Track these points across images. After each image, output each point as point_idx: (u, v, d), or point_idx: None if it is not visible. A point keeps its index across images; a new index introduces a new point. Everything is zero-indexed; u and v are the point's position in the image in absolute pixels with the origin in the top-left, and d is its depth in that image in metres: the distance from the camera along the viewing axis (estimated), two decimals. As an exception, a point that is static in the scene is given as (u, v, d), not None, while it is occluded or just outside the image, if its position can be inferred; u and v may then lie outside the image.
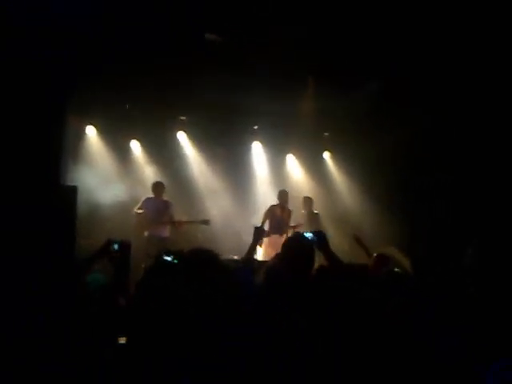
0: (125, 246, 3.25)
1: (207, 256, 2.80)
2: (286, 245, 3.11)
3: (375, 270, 4.11)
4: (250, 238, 4.36)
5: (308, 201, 8.55)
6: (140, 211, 7.57)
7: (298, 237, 3.31)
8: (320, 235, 3.19)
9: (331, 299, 2.71)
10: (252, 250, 3.73)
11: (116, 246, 3.28)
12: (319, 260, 3.44)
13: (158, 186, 7.80)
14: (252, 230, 7.42)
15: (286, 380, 2.36)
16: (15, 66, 5.04)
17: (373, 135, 8.43)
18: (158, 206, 7.61)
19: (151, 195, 7.77)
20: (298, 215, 8.36)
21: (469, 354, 2.40)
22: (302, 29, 6.31)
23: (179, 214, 7.84)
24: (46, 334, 2.45)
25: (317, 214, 8.55)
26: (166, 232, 7.59)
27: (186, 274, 2.66)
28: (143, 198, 7.73)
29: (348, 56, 6.82)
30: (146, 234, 7.43)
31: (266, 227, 7.88)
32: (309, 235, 3.17)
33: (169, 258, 2.89)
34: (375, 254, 4.61)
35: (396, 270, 4.02)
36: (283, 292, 2.79)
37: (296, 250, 3.02)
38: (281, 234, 7.36)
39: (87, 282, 3.09)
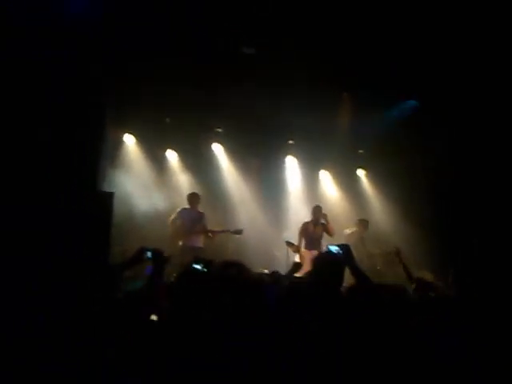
0: (158, 255, 3.28)
1: (239, 269, 2.79)
2: (316, 261, 3.08)
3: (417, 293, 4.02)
4: (279, 253, 4.38)
5: (364, 223, 8.49)
6: (175, 221, 7.65)
7: (327, 253, 3.27)
8: (346, 249, 3.11)
9: (357, 317, 2.66)
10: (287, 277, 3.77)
11: (149, 254, 3.32)
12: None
13: (193, 197, 7.87)
14: (283, 245, 7.41)
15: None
16: (57, 77, 5.21)
17: (408, 154, 8.33)
18: (193, 217, 7.68)
19: (186, 206, 7.85)
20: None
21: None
22: (340, 46, 6.33)
23: (211, 225, 7.88)
24: (74, 339, 2.48)
25: (363, 238, 8.43)
26: (200, 242, 7.63)
27: (216, 284, 2.67)
28: (179, 209, 7.81)
29: (384, 74, 6.78)
30: (180, 243, 7.49)
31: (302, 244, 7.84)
32: (334, 249, 3.10)
33: (198, 267, 2.90)
34: (415, 278, 4.50)
35: (430, 294, 3.92)
36: (303, 305, 2.77)
37: (324, 266, 2.98)
38: (315, 250, 7.31)
39: (128, 289, 3.14)
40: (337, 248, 3.09)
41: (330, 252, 3.12)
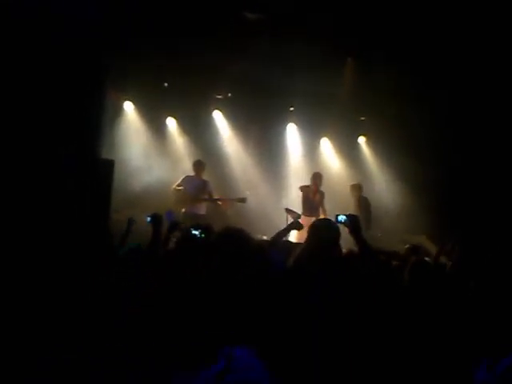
0: (156, 219, 3.36)
1: (241, 235, 2.81)
2: (312, 228, 3.12)
3: (406, 258, 4.09)
4: (279, 220, 4.40)
5: (356, 187, 8.41)
6: (179, 188, 7.66)
7: (324, 220, 3.28)
8: (353, 219, 3.15)
9: (356, 284, 2.71)
10: (282, 235, 3.77)
11: (148, 219, 3.42)
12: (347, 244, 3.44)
13: (199, 165, 7.86)
14: (282, 212, 7.43)
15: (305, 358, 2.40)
16: (55, 43, 5.14)
17: (410, 121, 8.27)
18: (197, 184, 7.68)
19: (190, 173, 7.85)
20: (330, 199, 8.29)
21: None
22: (343, 9, 6.21)
23: (214, 192, 7.92)
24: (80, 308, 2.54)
25: (365, 198, 8.33)
26: (203, 210, 7.66)
27: (218, 250, 2.69)
28: (183, 176, 7.81)
29: (386, 39, 6.68)
30: (182, 210, 7.50)
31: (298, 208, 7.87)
32: (342, 218, 3.14)
33: (196, 233, 2.95)
34: (407, 246, 4.60)
35: (426, 259, 3.99)
36: (309, 277, 2.81)
37: (321, 234, 3.02)
38: (313, 216, 7.34)
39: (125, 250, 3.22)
40: (344, 217, 3.13)
41: (337, 221, 3.15)
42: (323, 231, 3.06)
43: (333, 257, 3.00)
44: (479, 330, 2.49)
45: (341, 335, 2.48)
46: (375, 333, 2.49)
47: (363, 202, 8.19)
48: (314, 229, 3.10)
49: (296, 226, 4.06)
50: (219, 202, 7.79)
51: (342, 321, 2.53)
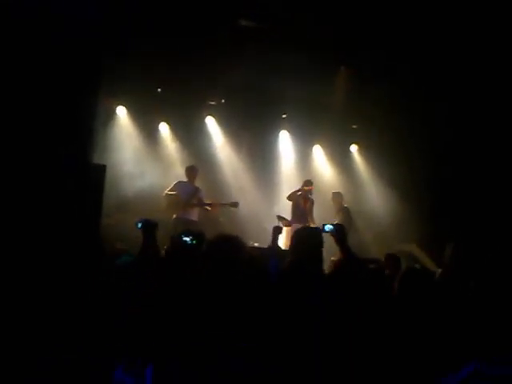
0: (147, 225, 3.32)
1: (234, 243, 2.79)
2: (294, 237, 3.15)
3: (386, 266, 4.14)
4: (270, 227, 4.44)
5: (337, 196, 8.46)
6: (171, 193, 7.62)
7: (305, 229, 3.31)
8: (339, 228, 3.20)
9: (344, 292, 2.73)
10: (275, 244, 3.82)
11: (139, 225, 3.35)
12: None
13: (192, 171, 7.81)
14: (274, 219, 7.46)
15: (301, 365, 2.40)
16: (48, 48, 5.12)
17: (402, 130, 8.33)
18: (189, 190, 7.62)
19: (183, 179, 7.80)
20: (320, 206, 8.33)
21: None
22: (337, 19, 6.27)
23: (205, 199, 7.89)
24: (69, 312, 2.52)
25: (346, 207, 8.37)
26: (195, 216, 7.59)
27: (211, 258, 2.68)
28: (175, 182, 7.75)
29: (378, 48, 6.74)
30: (174, 216, 7.44)
31: (289, 216, 7.86)
32: (329, 227, 3.18)
33: (187, 239, 2.92)
34: (385, 254, 4.66)
35: (416, 266, 4.02)
36: (303, 283, 2.82)
37: (303, 243, 3.04)
38: (302, 223, 7.35)
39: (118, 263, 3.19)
40: (331, 227, 3.19)
41: (324, 230, 3.20)
42: (305, 239, 3.09)
43: (318, 265, 3.02)
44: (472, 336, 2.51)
45: (327, 348, 2.49)
46: (363, 344, 2.51)
47: (345, 212, 8.22)
48: (296, 238, 3.13)
49: (279, 231, 4.17)
50: (208, 208, 7.72)
51: (331, 330, 2.53)
